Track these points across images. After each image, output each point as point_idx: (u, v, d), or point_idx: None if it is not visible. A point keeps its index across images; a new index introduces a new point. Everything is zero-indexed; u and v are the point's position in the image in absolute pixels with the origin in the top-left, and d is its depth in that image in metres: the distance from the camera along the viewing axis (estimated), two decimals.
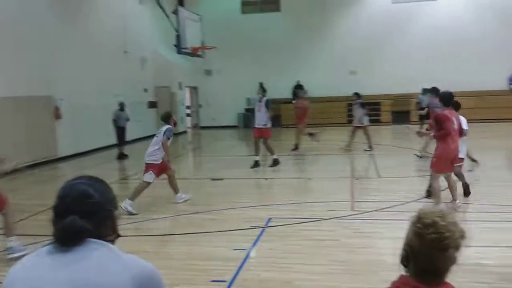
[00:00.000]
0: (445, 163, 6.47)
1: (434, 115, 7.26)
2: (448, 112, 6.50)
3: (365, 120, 13.45)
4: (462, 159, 7.21)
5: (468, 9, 21.09)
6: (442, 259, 1.42)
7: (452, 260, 1.43)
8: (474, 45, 20.60)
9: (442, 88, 17.20)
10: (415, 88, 20.91)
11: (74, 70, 14.60)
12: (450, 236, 1.42)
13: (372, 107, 21.55)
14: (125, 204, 7.24)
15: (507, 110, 19.85)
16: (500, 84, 20.84)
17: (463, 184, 7.47)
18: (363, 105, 13.49)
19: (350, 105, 21.77)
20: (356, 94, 13.79)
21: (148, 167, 7.62)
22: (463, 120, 7.01)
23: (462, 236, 1.44)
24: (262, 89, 11.53)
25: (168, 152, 7.68)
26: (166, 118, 8.04)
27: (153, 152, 7.63)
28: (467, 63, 20.54)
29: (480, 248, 5.12)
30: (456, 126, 6.52)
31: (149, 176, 7.60)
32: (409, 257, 1.49)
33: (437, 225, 1.43)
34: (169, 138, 7.68)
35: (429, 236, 1.43)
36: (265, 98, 11.24)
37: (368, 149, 13.19)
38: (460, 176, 7.44)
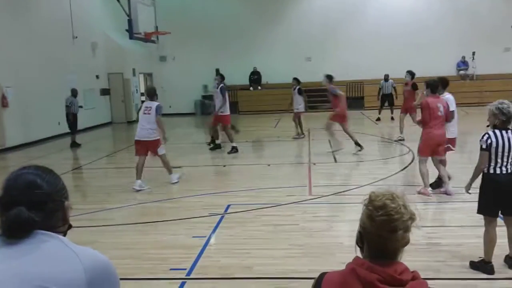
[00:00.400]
0: (429, 148, 6.76)
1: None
2: (431, 99, 6.69)
3: (301, 107, 13.34)
4: (453, 139, 7.25)
5: None
6: (392, 240, 1.46)
7: (402, 241, 1.47)
8: (425, 33, 21.23)
9: (394, 75, 17.75)
10: (369, 75, 21.46)
11: (21, 56, 13.91)
12: (399, 218, 1.45)
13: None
14: (171, 179, 8.19)
15: (456, 96, 20.63)
16: (449, 70, 21.66)
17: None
18: (300, 91, 13.34)
19: (306, 91, 22.07)
20: (296, 79, 13.74)
21: (154, 143, 7.90)
22: (450, 101, 7.05)
23: (412, 218, 1.48)
24: (220, 76, 11.42)
25: (163, 129, 7.94)
26: (153, 93, 8.15)
27: (152, 130, 7.84)
28: (418, 50, 21.15)
29: (432, 228, 5.34)
30: (441, 112, 6.66)
31: (162, 149, 8.05)
32: (362, 238, 1.52)
33: (387, 207, 1.46)
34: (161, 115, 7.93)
35: (378, 218, 1.46)
36: (221, 85, 11.14)
37: (296, 136, 13.16)
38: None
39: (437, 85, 6.90)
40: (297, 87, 13.12)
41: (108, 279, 1.40)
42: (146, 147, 7.91)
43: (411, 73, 12.75)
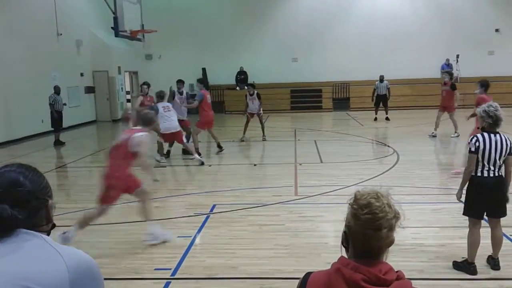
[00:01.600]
0: None
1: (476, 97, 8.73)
2: (487, 96, 7.75)
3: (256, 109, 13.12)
4: None
5: (404, 2, 21.90)
6: (376, 238, 1.47)
7: (386, 240, 1.48)
8: (410, 36, 21.45)
9: (376, 77, 17.93)
10: (354, 76, 21.60)
11: (4, 52, 13.68)
12: (383, 217, 1.46)
13: (314, 93, 22.02)
14: (196, 160, 9.72)
15: (439, 98, 20.89)
16: (434, 73, 21.91)
17: None
18: (258, 95, 13.11)
19: (293, 91, 22.15)
20: (252, 85, 13.59)
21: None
22: None
23: (396, 217, 1.49)
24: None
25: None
26: (163, 95, 10.26)
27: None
28: (403, 53, 21.38)
29: (416, 229, 5.39)
30: None
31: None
32: (348, 238, 1.53)
33: (371, 205, 1.47)
34: None
35: (363, 217, 1.46)
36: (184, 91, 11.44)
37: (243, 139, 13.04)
38: None
39: (489, 85, 8.18)
40: (255, 92, 13.08)
41: (92, 279, 1.38)
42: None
43: (449, 73, 13.31)
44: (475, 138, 4.27)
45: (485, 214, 4.36)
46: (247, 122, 13.24)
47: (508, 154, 4.20)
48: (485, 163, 4.21)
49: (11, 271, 1.28)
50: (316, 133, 14.50)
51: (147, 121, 5.53)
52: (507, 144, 4.20)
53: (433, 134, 12.63)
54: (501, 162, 4.24)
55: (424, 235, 5.31)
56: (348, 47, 21.83)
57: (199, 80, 11.87)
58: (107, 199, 5.18)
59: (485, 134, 4.24)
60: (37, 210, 1.42)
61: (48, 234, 1.44)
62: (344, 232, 1.55)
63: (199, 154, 10.39)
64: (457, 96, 12.53)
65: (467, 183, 4.35)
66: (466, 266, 4.34)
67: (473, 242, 4.33)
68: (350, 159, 10.00)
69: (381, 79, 17.03)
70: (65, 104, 13.83)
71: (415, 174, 8.46)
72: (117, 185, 5.14)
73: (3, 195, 1.36)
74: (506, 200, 4.29)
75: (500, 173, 4.26)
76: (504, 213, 4.33)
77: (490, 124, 4.25)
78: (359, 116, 18.70)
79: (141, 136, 5.18)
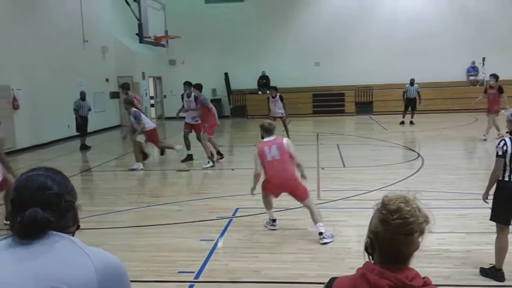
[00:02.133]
0: None
1: None
2: None
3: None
4: None
5: (428, 3, 21.61)
6: (407, 244, 1.45)
7: (415, 245, 1.46)
8: (434, 38, 21.14)
9: (404, 81, 17.70)
10: (378, 80, 21.40)
11: (32, 59, 14.05)
12: (414, 221, 1.44)
13: (337, 97, 21.89)
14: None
15: (465, 101, 20.54)
16: (458, 76, 21.54)
17: None
18: (281, 98, 13.16)
19: (315, 95, 22.07)
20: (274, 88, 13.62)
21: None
22: None
23: (426, 220, 1.47)
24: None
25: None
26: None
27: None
28: (426, 56, 21.09)
29: (441, 235, 5.30)
30: None
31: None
32: (373, 244, 1.51)
33: (401, 210, 1.45)
34: None
35: (394, 222, 1.45)
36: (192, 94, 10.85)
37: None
38: None
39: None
40: (278, 94, 12.95)
41: (119, 281, 1.41)
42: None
43: (495, 76, 12.90)
44: (502, 142, 4.20)
45: None
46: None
47: None
48: None
49: (42, 273, 1.31)
50: (339, 137, 14.42)
51: None
52: None
53: (484, 138, 12.23)
54: None
55: (450, 241, 5.22)
56: (371, 50, 21.65)
57: (195, 86, 10.94)
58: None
59: None
60: (65, 212, 1.45)
61: (73, 235, 1.47)
62: (369, 238, 1.53)
63: (212, 159, 10.23)
64: (505, 99, 12.30)
65: (495, 188, 4.27)
66: (493, 273, 4.25)
67: (501, 248, 4.23)
68: (374, 164, 9.90)
69: (412, 83, 16.80)
70: (90, 110, 14.09)
71: (440, 178, 8.32)
72: None
73: (33, 198, 1.40)
74: None
75: None
76: None
77: None
78: (383, 120, 18.50)
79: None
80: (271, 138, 5.85)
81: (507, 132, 4.37)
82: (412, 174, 8.76)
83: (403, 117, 16.89)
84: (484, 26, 20.80)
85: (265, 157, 5.69)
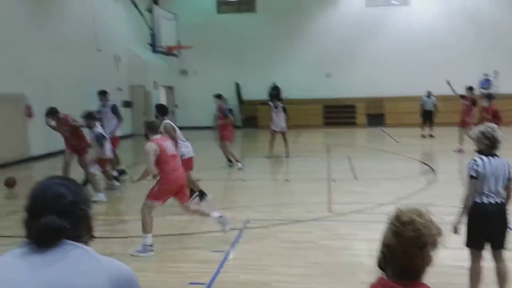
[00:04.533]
0: None
1: None
2: None
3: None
4: None
5: (440, 15, 21.56)
6: (420, 256, 1.43)
7: (429, 259, 1.44)
8: (446, 50, 21.06)
9: (417, 93, 17.58)
10: (388, 91, 21.31)
11: (46, 68, 14.25)
12: (427, 233, 1.43)
13: (348, 109, 21.84)
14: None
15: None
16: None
17: None
18: (284, 109, 12.99)
19: (326, 107, 22.05)
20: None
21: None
22: None
23: (439, 233, 1.46)
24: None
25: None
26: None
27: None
28: (439, 68, 20.96)
29: (455, 251, 5.20)
30: None
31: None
32: (386, 258, 1.50)
33: (414, 222, 1.44)
34: None
35: (407, 234, 1.43)
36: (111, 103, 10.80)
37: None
38: None
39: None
40: (280, 104, 12.92)
41: None
42: None
43: (470, 89, 13.04)
44: (472, 161, 3.88)
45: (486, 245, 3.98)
46: (273, 138, 12.62)
47: (508, 179, 3.84)
48: (485, 188, 3.82)
49: (56, 281, 1.32)
50: (350, 149, 14.36)
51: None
52: (507, 168, 3.83)
53: None
54: (502, 188, 3.87)
55: (463, 257, 5.12)
56: (383, 62, 21.62)
57: (217, 96, 11.95)
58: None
59: (484, 157, 3.84)
60: (79, 221, 1.47)
61: (87, 244, 1.49)
62: (382, 253, 1.51)
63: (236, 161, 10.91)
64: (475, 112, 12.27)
65: (468, 211, 3.97)
66: None
67: (473, 276, 3.99)
68: (385, 177, 9.83)
69: (428, 95, 16.75)
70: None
71: (454, 193, 8.18)
72: None
73: (48, 206, 1.41)
74: (506, 229, 3.90)
75: (501, 200, 3.90)
76: (502, 245, 3.94)
77: (488, 146, 3.85)
78: (395, 132, 18.41)
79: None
80: (159, 136, 5.77)
81: (476, 151, 3.99)
82: (425, 188, 8.68)
83: (422, 130, 16.75)
84: (498, 37, 20.69)
85: (167, 152, 5.54)
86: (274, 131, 12.70)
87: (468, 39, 21.08)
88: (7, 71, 12.60)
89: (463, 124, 12.17)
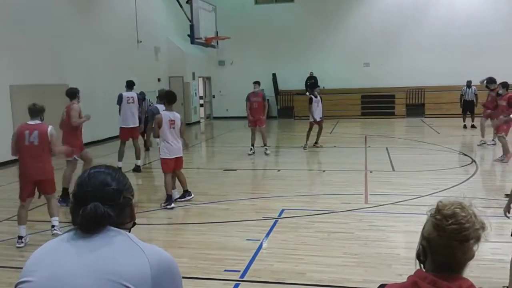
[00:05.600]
0: None
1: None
2: None
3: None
4: None
5: (485, 2, 20.69)
6: (462, 251, 1.40)
7: (471, 253, 1.41)
8: (490, 38, 20.20)
9: (458, 83, 17.03)
10: (429, 80, 20.72)
11: (89, 59, 14.68)
12: (470, 227, 1.40)
13: (386, 99, 21.42)
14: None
15: None
16: None
17: None
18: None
19: (364, 97, 21.70)
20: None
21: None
22: None
23: (483, 227, 1.42)
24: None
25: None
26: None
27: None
28: (482, 57, 20.19)
29: (496, 244, 5.07)
30: None
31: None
32: (426, 251, 1.47)
33: (457, 216, 1.41)
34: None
35: (449, 227, 1.40)
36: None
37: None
38: None
39: None
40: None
41: (172, 277, 1.46)
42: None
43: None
44: None
45: None
46: (310, 129, 12.67)
47: None
48: None
49: (101, 266, 1.38)
50: (388, 140, 14.09)
51: None
52: None
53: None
54: None
55: (505, 251, 4.97)
56: (423, 51, 21.00)
57: (257, 82, 12.39)
58: None
59: None
60: (123, 208, 1.53)
61: (129, 231, 1.54)
62: (421, 245, 1.49)
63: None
64: None
65: None
66: None
67: None
68: (425, 168, 9.61)
69: (469, 85, 16.21)
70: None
71: (496, 185, 7.97)
72: None
73: (94, 193, 1.48)
74: None
75: None
76: None
77: None
78: (435, 123, 17.92)
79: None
80: (36, 122, 5.72)
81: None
82: (466, 180, 8.43)
83: (464, 121, 16.25)
84: None
85: (23, 141, 5.57)
86: (314, 122, 12.64)
87: None
88: (53, 63, 13.10)
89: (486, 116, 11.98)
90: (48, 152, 5.68)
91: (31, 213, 6.06)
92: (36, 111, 5.75)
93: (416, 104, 21.08)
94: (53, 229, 5.70)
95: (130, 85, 10.69)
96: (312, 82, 22.13)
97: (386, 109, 21.21)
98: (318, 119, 12.60)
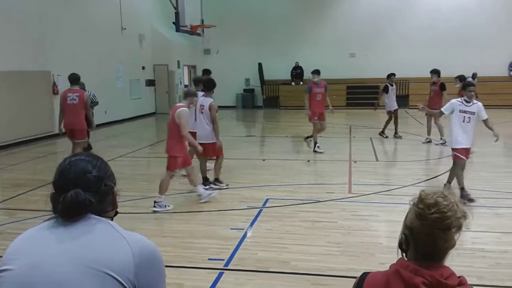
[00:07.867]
0: None
1: None
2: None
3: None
4: None
5: None
6: (444, 239, 1.42)
7: (452, 241, 1.43)
8: (475, 30, 20.44)
9: (443, 75, 17.17)
10: (414, 72, 20.88)
11: (72, 46, 14.42)
12: (452, 215, 1.41)
13: (371, 90, 21.52)
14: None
15: (506, 97, 19.85)
16: (500, 70, 20.78)
17: None
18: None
19: (349, 87, 21.77)
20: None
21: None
22: None
23: (464, 216, 1.43)
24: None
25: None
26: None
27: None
28: (467, 48, 20.44)
29: (476, 233, 5.17)
30: None
31: None
32: (408, 240, 1.48)
33: (439, 205, 1.42)
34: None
35: (431, 216, 1.41)
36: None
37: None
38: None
39: None
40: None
41: (155, 265, 1.45)
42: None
43: (436, 72, 12.27)
44: None
45: None
46: (391, 118, 12.59)
47: None
48: None
49: (81, 254, 1.36)
50: (373, 131, 14.19)
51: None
52: None
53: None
54: None
55: (485, 240, 5.08)
56: (408, 43, 21.17)
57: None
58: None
59: None
60: (104, 196, 1.51)
61: (112, 220, 1.52)
62: (404, 234, 1.50)
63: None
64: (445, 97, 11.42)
65: None
66: None
67: None
68: (408, 159, 9.72)
69: (473, 77, 16.37)
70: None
71: (478, 176, 8.09)
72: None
73: (75, 181, 1.45)
74: None
75: None
76: None
77: None
78: (419, 114, 18.08)
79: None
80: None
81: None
82: (448, 170, 8.54)
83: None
84: None
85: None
86: (390, 112, 12.67)
87: (497, 19, 20.39)
88: (35, 49, 12.83)
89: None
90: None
91: (12, 201, 5.97)
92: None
93: (400, 96, 21.17)
94: None
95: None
96: (298, 72, 22.18)
97: (371, 100, 21.29)
98: (393, 108, 12.53)
